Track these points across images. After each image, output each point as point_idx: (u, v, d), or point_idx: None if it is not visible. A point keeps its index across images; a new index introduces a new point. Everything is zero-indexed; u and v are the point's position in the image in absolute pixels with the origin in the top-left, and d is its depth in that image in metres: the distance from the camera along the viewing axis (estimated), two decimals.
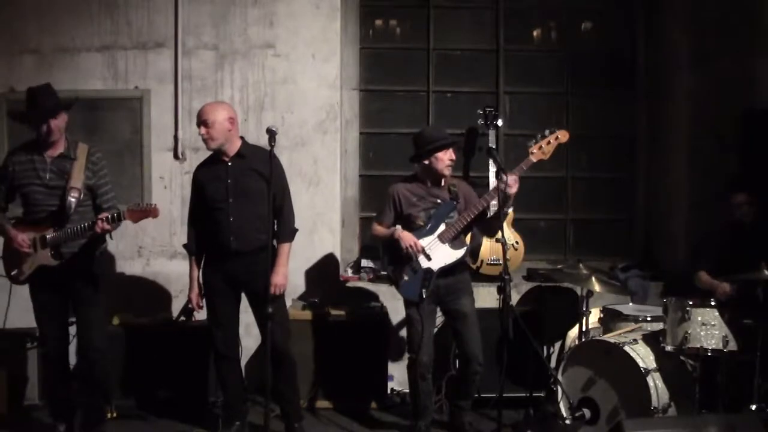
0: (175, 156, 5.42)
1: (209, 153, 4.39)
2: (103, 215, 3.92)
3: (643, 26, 5.86)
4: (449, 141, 4.31)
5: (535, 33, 5.96)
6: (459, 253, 4.30)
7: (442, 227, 4.28)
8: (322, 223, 5.48)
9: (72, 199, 4.02)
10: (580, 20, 5.96)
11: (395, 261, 4.32)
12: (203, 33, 5.42)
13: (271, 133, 3.85)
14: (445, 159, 4.28)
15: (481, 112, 5.32)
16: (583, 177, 5.90)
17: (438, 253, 4.26)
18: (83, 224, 3.99)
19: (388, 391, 5.07)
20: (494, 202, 4.28)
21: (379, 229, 4.43)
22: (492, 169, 4.96)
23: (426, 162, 4.32)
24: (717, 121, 5.30)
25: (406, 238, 4.26)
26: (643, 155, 5.89)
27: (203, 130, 4.16)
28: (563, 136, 4.20)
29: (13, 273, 4.12)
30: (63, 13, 5.35)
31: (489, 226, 4.42)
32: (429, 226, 4.29)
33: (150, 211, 3.97)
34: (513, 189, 4.08)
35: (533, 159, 4.17)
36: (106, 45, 5.38)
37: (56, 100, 4.08)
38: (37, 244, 4.04)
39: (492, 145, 5.25)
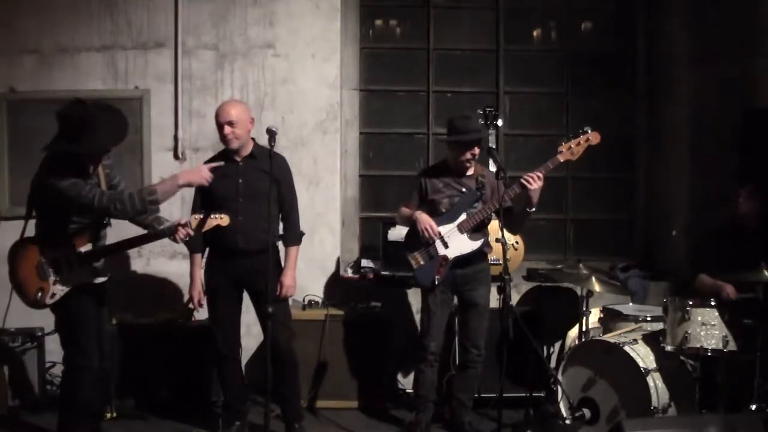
0: (175, 156, 5.41)
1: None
2: (183, 220, 3.82)
3: (643, 26, 5.85)
4: (472, 138, 4.29)
5: (535, 33, 5.96)
6: (476, 244, 4.29)
7: (462, 216, 4.27)
8: (322, 223, 5.48)
9: None
10: (580, 20, 5.96)
11: (413, 245, 4.31)
12: (203, 33, 5.41)
13: (271, 133, 3.85)
14: (466, 154, 4.30)
15: (481, 112, 5.28)
16: (583, 177, 5.89)
17: (455, 242, 4.26)
18: (160, 228, 3.83)
19: (390, 391, 5.06)
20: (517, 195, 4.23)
21: (403, 210, 4.45)
22: (492, 169, 4.96)
23: (450, 151, 4.36)
24: (717, 121, 5.30)
25: (424, 220, 4.26)
26: (643, 155, 5.88)
27: (228, 129, 4.14)
28: (594, 138, 4.11)
29: (38, 296, 3.67)
30: (63, 13, 5.34)
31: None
32: (450, 213, 4.30)
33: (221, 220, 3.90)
34: (534, 186, 4.06)
35: (560, 159, 4.12)
36: (106, 45, 5.37)
37: None
38: (73, 263, 3.70)
39: (492, 145, 5.24)
